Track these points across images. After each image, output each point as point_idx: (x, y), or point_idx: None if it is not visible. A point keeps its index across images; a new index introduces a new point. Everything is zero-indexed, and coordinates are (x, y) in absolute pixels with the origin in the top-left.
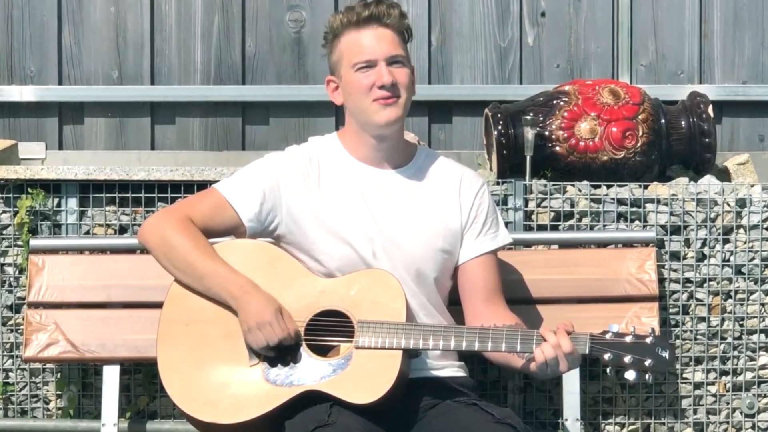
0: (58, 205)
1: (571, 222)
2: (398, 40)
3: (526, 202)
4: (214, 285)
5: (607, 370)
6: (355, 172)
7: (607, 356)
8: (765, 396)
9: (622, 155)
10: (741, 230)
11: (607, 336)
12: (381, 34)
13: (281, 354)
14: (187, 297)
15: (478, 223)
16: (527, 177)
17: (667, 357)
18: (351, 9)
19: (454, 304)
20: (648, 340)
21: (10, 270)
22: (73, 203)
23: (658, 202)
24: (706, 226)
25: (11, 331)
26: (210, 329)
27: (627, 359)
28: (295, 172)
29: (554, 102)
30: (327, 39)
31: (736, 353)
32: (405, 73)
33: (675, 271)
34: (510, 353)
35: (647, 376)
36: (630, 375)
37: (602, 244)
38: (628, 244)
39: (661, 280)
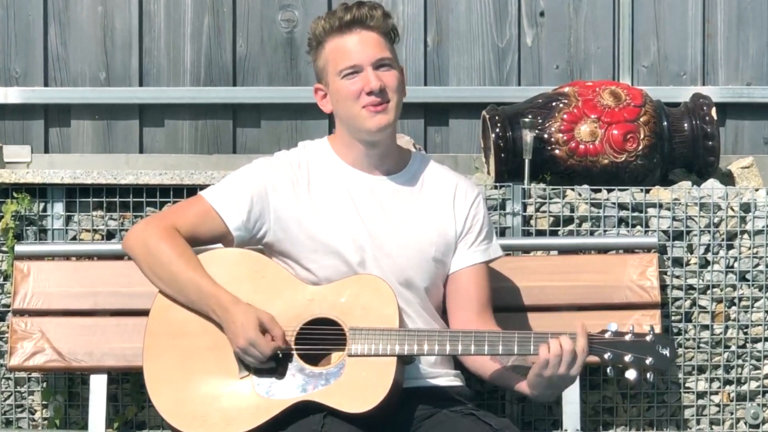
0: (44, 209)
1: (570, 227)
2: (384, 42)
3: (525, 206)
4: (197, 299)
5: (608, 371)
6: (346, 178)
7: (606, 356)
8: None
9: (623, 158)
10: (745, 235)
11: (606, 335)
12: (365, 37)
13: (272, 365)
14: (173, 309)
15: (472, 233)
16: (526, 181)
17: (668, 354)
18: (332, 14)
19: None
20: (648, 337)
21: None
22: (59, 208)
23: (660, 206)
24: (709, 232)
25: None
26: (197, 341)
27: (627, 358)
28: (284, 179)
29: (553, 104)
30: (311, 45)
31: (740, 362)
32: (393, 76)
33: (677, 277)
34: (506, 358)
35: (648, 375)
36: (630, 374)
37: (603, 250)
38: (630, 249)
39: (663, 287)
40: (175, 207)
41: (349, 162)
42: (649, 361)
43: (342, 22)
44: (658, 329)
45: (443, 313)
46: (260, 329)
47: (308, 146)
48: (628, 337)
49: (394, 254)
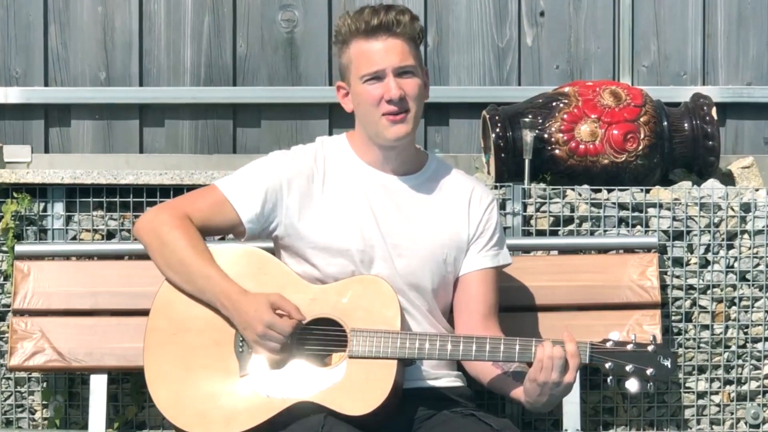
0: (44, 209)
1: (571, 227)
2: (408, 48)
3: (525, 206)
4: (206, 290)
5: (608, 380)
6: (362, 175)
7: (607, 365)
8: None
9: (623, 158)
10: (745, 235)
11: (608, 344)
12: (390, 44)
13: (273, 364)
14: (174, 305)
15: (484, 237)
16: (526, 181)
17: (669, 365)
18: (360, 14)
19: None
20: (649, 348)
21: None
22: (59, 208)
23: (661, 206)
24: (709, 232)
25: None
26: (198, 338)
27: (628, 368)
28: (300, 174)
29: (554, 104)
30: (336, 40)
31: (740, 362)
32: (415, 84)
33: (678, 277)
34: (507, 364)
35: (649, 386)
36: (631, 385)
37: (603, 250)
38: (630, 249)
39: (664, 287)
40: (188, 195)
41: (366, 160)
42: (650, 371)
43: (368, 27)
44: (659, 338)
45: (450, 314)
46: (273, 311)
47: (326, 142)
48: (629, 347)
49: (405, 255)
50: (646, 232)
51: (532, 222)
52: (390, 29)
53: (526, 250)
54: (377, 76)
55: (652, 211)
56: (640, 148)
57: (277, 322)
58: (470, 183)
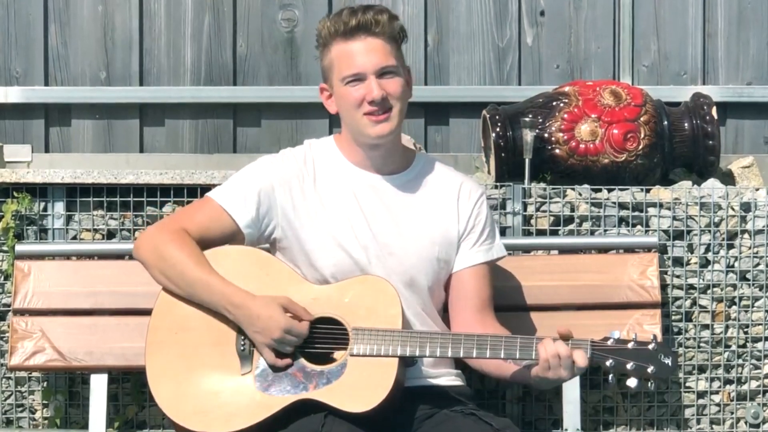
0: (45, 209)
1: (571, 227)
2: (389, 47)
3: (525, 206)
4: (208, 299)
5: (609, 378)
6: (351, 176)
7: (608, 363)
8: None
9: (623, 158)
10: (746, 235)
11: (609, 342)
12: (370, 45)
13: (274, 362)
14: (176, 305)
15: (475, 232)
16: (526, 180)
17: (670, 364)
18: (338, 16)
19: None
20: (650, 346)
21: None
22: (59, 207)
23: (661, 206)
24: (709, 231)
25: None
26: (200, 337)
27: (629, 366)
28: (291, 176)
29: (554, 103)
30: (318, 43)
31: (740, 361)
32: (397, 83)
33: (678, 277)
34: (507, 361)
35: (649, 384)
36: (632, 382)
37: (603, 250)
38: (630, 249)
39: (664, 287)
40: (183, 210)
41: (353, 161)
42: (650, 369)
43: (347, 28)
44: (660, 337)
45: (444, 312)
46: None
47: (314, 144)
48: (630, 345)
49: (398, 254)
50: (646, 231)
51: (532, 222)
52: (369, 29)
53: (526, 249)
54: (358, 78)
55: (652, 210)
56: (641, 147)
57: (295, 325)
58: (458, 178)
